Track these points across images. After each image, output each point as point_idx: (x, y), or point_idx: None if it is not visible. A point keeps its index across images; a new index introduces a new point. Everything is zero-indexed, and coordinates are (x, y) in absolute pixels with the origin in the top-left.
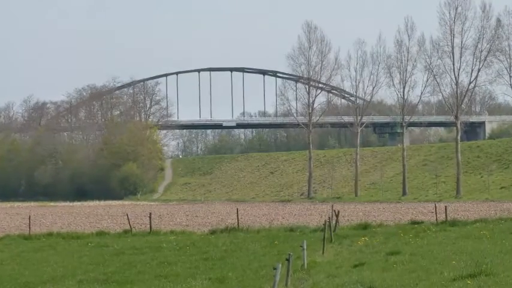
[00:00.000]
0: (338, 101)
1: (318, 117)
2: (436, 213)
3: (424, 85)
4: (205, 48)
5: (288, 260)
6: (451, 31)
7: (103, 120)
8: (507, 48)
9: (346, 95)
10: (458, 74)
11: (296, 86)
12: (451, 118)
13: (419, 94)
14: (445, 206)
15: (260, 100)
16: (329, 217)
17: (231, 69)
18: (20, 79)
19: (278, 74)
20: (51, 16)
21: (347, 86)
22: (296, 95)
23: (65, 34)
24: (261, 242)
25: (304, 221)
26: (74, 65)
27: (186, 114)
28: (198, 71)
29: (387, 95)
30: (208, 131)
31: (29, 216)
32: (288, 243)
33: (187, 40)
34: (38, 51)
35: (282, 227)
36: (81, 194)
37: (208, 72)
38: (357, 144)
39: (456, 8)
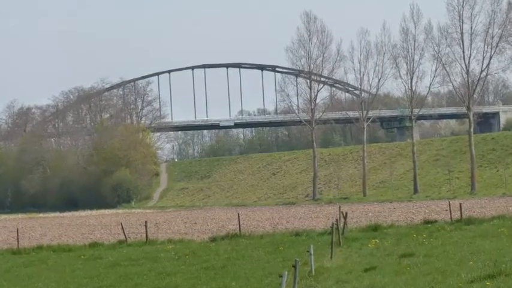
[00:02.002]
0: (342, 95)
1: (321, 113)
2: (450, 211)
3: (432, 75)
4: (199, 45)
5: (294, 266)
6: (459, 17)
7: (92, 124)
8: None
9: (350, 89)
10: (468, 62)
11: (297, 80)
12: (463, 109)
13: (428, 85)
14: (460, 203)
15: (259, 97)
16: (336, 219)
17: (227, 66)
18: (2, 83)
19: (277, 69)
20: (34, 16)
21: (351, 78)
22: (297, 90)
23: (48, 35)
24: (265, 248)
25: (310, 225)
26: (59, 67)
27: (181, 115)
28: (192, 68)
29: (394, 87)
30: (205, 132)
31: (17, 229)
32: (293, 249)
33: (179, 37)
34: (20, 53)
35: (287, 231)
36: (71, 203)
37: (203, 69)
38: (364, 140)
39: None
